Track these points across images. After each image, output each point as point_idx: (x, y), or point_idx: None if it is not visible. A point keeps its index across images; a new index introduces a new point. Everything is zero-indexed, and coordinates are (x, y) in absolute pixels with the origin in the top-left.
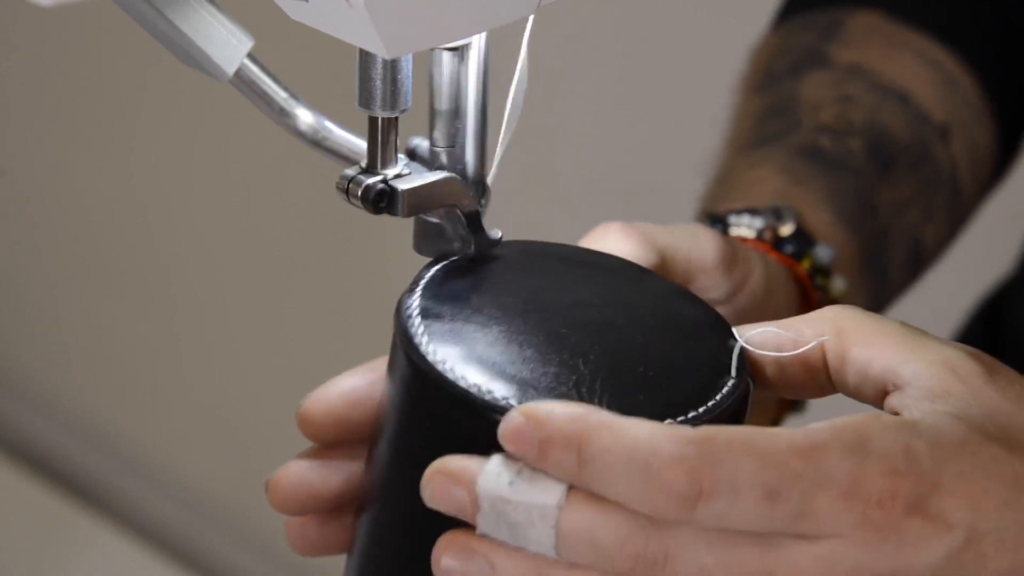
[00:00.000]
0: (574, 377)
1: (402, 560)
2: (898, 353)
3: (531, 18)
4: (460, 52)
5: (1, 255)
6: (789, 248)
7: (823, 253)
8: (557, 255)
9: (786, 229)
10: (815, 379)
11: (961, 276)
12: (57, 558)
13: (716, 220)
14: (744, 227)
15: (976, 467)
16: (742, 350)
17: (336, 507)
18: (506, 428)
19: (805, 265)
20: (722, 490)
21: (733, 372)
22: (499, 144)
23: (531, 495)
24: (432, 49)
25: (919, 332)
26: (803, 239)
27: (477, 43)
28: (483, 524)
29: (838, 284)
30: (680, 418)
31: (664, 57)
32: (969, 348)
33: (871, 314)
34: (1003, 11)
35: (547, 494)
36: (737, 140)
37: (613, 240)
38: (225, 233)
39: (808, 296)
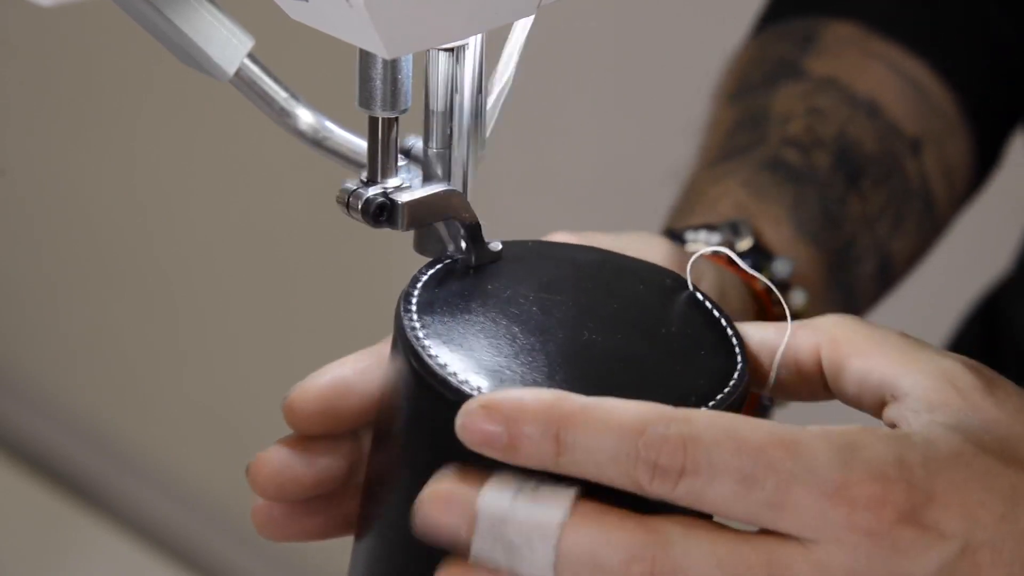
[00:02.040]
0: (575, 378)
1: (406, 565)
2: (897, 364)
3: (530, 20)
4: (456, 53)
5: (1, 255)
6: (746, 263)
7: (781, 267)
8: (556, 254)
9: (743, 244)
10: (808, 385)
11: (958, 276)
12: (57, 558)
13: (674, 237)
14: (701, 243)
15: (971, 478)
16: (744, 348)
17: (310, 496)
18: (465, 421)
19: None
20: (701, 469)
21: (736, 372)
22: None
23: (532, 513)
24: (428, 49)
25: (918, 343)
26: (761, 254)
27: (473, 44)
28: (478, 545)
29: (797, 298)
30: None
31: (664, 58)
32: (968, 360)
33: (869, 323)
34: (981, 24)
35: (549, 512)
36: (707, 152)
37: None
38: (225, 233)
39: (765, 311)
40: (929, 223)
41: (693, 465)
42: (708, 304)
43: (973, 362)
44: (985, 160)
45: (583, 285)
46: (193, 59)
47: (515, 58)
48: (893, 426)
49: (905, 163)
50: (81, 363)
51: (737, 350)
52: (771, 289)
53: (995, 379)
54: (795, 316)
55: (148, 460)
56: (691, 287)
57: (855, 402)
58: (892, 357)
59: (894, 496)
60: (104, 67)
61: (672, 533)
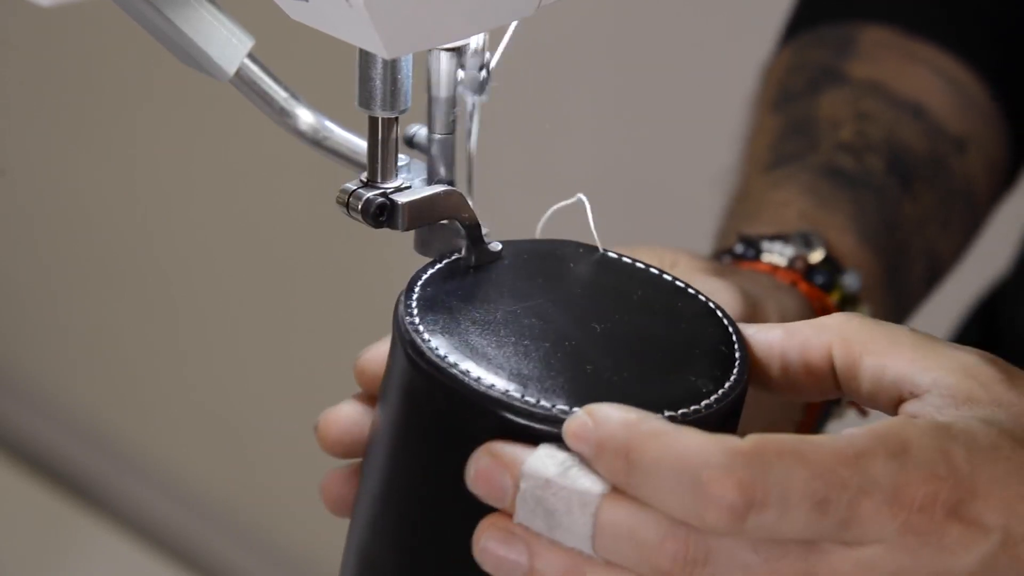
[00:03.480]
0: (575, 372)
1: (402, 561)
2: (913, 361)
3: (512, 24)
4: (459, 52)
5: (1, 255)
6: (819, 279)
7: (851, 281)
8: (555, 253)
9: (816, 256)
10: (819, 384)
11: (958, 278)
12: (57, 558)
13: (749, 244)
14: (776, 254)
15: (1010, 472)
16: (743, 340)
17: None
18: (570, 425)
19: (835, 297)
20: (773, 502)
21: (736, 365)
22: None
23: (575, 481)
24: (431, 49)
25: (930, 338)
26: (832, 266)
27: (475, 43)
28: (520, 510)
29: (864, 313)
30: (691, 407)
31: (665, 57)
32: (985, 353)
33: (879, 321)
34: (1013, 21)
35: (593, 482)
36: (757, 159)
37: None
38: (225, 233)
39: None
40: (972, 220)
41: (763, 499)
42: (641, 265)
43: (989, 354)
44: (1018, 154)
45: (595, 288)
46: (193, 59)
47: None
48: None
49: (951, 163)
50: (81, 363)
51: (702, 298)
52: (842, 304)
53: (1013, 371)
54: None
55: (148, 460)
56: (601, 249)
57: (869, 400)
58: (907, 354)
59: (944, 494)
60: (104, 67)
61: None
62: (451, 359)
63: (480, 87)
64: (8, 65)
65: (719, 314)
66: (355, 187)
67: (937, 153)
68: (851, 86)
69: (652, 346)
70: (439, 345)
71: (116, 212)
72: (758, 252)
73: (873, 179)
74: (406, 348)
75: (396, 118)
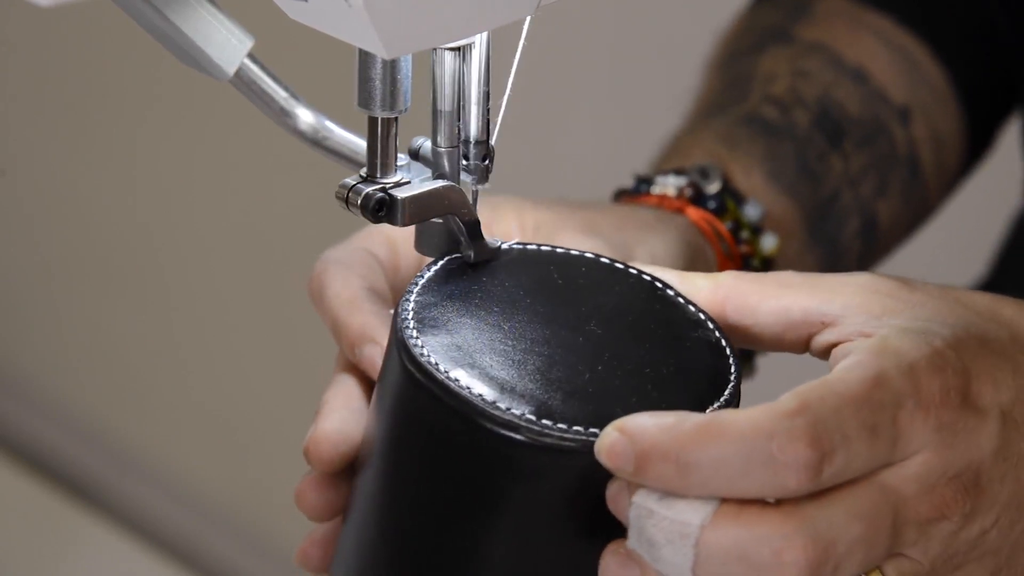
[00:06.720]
0: (574, 381)
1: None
2: (814, 294)
3: (527, 20)
4: (462, 51)
5: (1, 255)
6: (712, 204)
7: (752, 211)
8: (555, 258)
9: (712, 187)
10: None
11: (936, 278)
12: (57, 558)
13: (642, 181)
14: (670, 187)
15: (980, 350)
16: (721, 329)
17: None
18: (602, 444)
19: (727, 221)
20: (838, 444)
21: (732, 366)
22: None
23: (675, 512)
24: (434, 49)
25: (816, 274)
26: (732, 196)
27: (479, 42)
28: (631, 536)
29: (768, 242)
30: (717, 401)
31: (667, 57)
32: (871, 272)
33: (761, 273)
34: (977, 12)
35: (692, 513)
36: (690, 114)
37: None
38: (225, 233)
39: (731, 252)
40: (917, 191)
41: (830, 446)
42: (633, 270)
43: (876, 272)
44: (976, 141)
45: (594, 295)
46: (193, 59)
47: (516, 58)
48: (826, 353)
49: (893, 129)
50: (81, 363)
51: (670, 292)
52: (737, 229)
53: (905, 279)
54: (767, 260)
55: (148, 460)
56: (593, 255)
57: (774, 343)
58: (804, 291)
59: (952, 382)
60: (104, 67)
61: (808, 510)
62: (444, 367)
63: (483, 176)
64: (8, 65)
65: (701, 315)
66: (354, 182)
67: (876, 118)
68: (795, 45)
69: (648, 346)
70: (431, 351)
71: (116, 212)
72: (650, 186)
73: (795, 131)
74: (400, 352)
75: (395, 118)
